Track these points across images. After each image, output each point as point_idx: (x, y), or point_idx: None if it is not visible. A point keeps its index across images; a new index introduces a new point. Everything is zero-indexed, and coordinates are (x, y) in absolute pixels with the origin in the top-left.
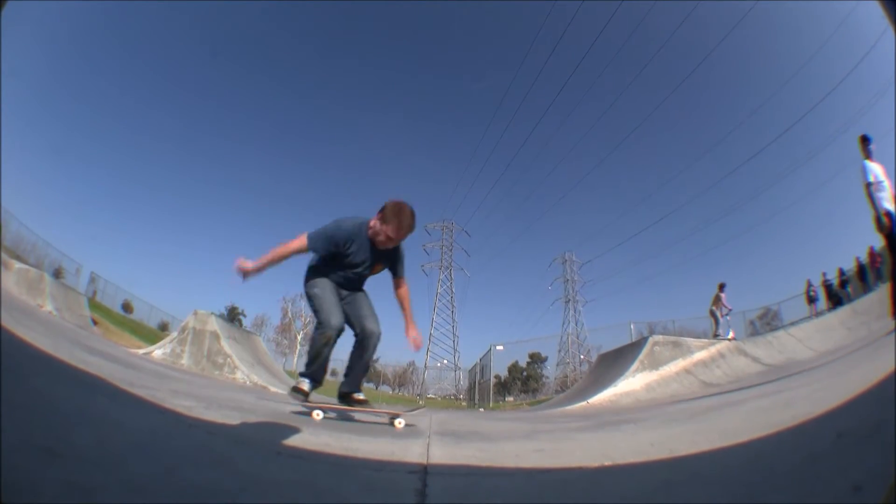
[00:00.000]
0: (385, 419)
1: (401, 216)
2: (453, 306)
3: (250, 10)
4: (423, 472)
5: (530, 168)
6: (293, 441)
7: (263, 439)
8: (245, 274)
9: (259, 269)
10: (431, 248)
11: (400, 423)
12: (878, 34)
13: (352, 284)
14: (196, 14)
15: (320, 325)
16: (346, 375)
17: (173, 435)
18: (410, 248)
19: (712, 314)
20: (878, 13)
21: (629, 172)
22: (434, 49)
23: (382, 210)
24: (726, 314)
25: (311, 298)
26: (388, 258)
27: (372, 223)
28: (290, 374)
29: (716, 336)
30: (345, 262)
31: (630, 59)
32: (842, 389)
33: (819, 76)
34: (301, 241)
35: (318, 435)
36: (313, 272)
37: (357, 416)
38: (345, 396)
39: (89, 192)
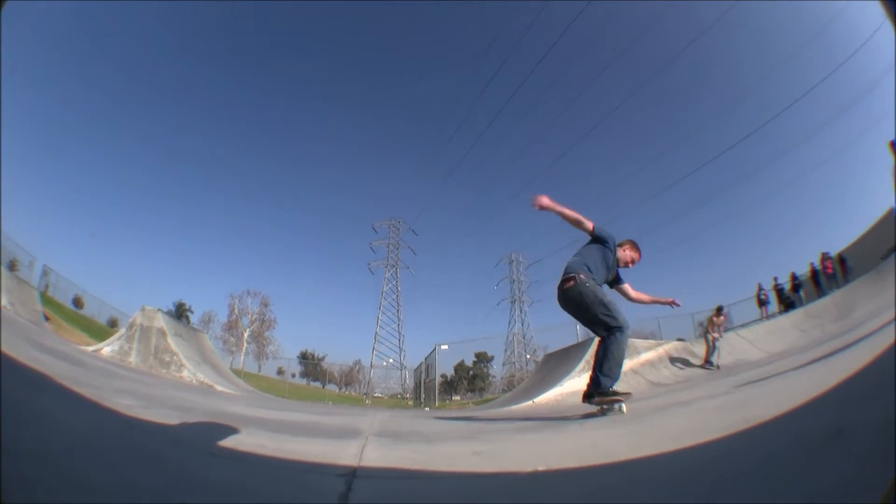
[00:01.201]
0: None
1: (639, 249)
2: (399, 304)
3: (251, 10)
4: (352, 475)
5: (479, 167)
6: (229, 442)
7: (199, 439)
8: (541, 206)
9: (551, 210)
10: (378, 245)
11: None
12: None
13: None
14: (196, 14)
15: (623, 326)
16: (604, 374)
17: (111, 434)
18: (359, 246)
19: (705, 338)
20: (874, 12)
21: (579, 173)
22: (386, 44)
23: (625, 243)
24: (718, 339)
25: (605, 305)
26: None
27: (619, 252)
28: (237, 372)
29: (707, 363)
30: (608, 264)
31: (584, 62)
32: (799, 391)
33: (789, 82)
34: (590, 223)
35: (254, 436)
36: (593, 280)
37: None
38: (612, 391)
39: (45, 183)
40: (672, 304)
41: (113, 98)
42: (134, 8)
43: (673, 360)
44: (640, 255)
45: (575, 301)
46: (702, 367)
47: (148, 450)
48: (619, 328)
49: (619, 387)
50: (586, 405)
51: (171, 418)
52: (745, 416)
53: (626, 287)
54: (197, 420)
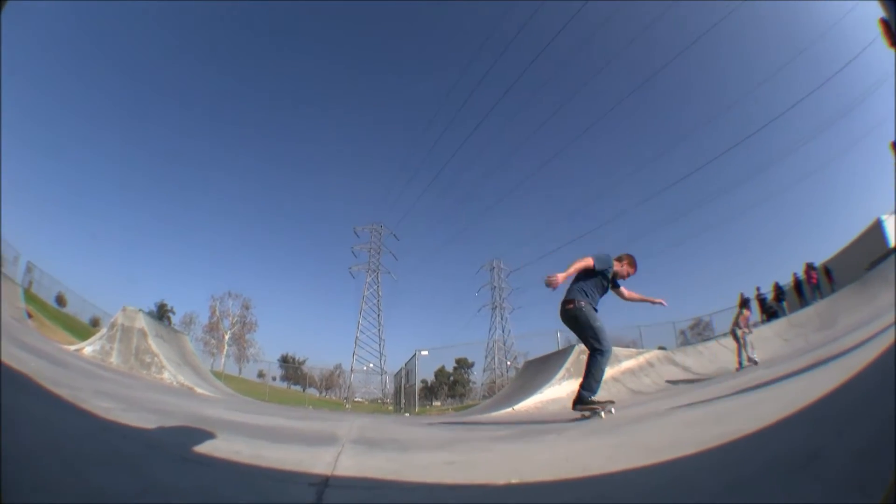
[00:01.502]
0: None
1: (636, 265)
2: (380, 309)
3: (250, 10)
4: (324, 485)
5: (463, 173)
6: (204, 447)
7: (175, 444)
8: (557, 283)
9: (565, 279)
10: (359, 250)
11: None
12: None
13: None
14: (195, 14)
15: (605, 350)
16: (584, 388)
17: (87, 437)
18: (341, 251)
19: (734, 335)
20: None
21: (562, 182)
22: (371, 47)
23: (623, 258)
24: (748, 334)
25: (595, 329)
26: (612, 281)
27: (616, 266)
28: (217, 374)
29: (742, 363)
30: (603, 287)
31: (570, 71)
32: (775, 407)
33: (780, 91)
34: (590, 260)
35: (230, 441)
36: (589, 304)
37: None
38: (591, 401)
39: (33, 180)
40: (661, 303)
41: (107, 96)
42: (132, 8)
43: (651, 367)
44: (635, 270)
45: (572, 320)
46: (737, 370)
47: (122, 455)
48: (601, 351)
49: (603, 394)
50: (569, 412)
51: (148, 422)
52: (721, 431)
53: (622, 290)
54: (174, 424)
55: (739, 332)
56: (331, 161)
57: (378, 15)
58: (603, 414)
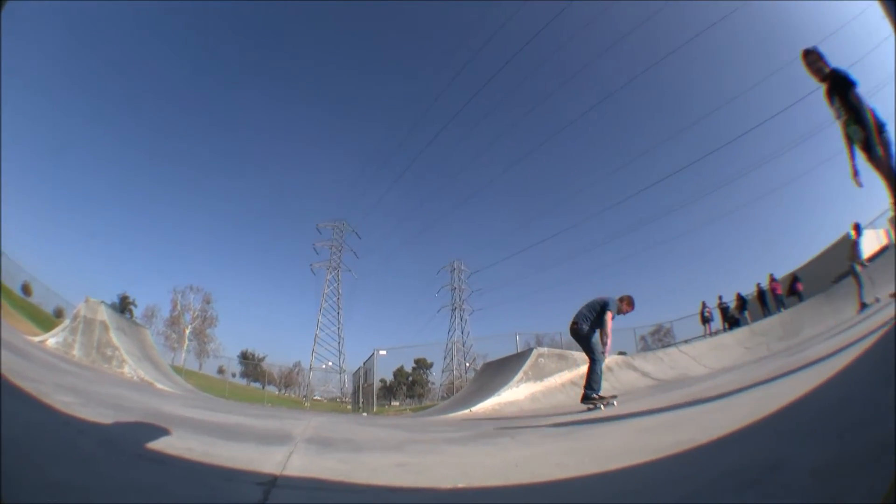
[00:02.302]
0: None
1: (634, 304)
2: (340, 307)
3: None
4: (272, 484)
5: (427, 174)
6: (158, 444)
7: (129, 440)
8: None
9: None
10: (321, 247)
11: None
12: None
13: None
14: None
15: (598, 361)
16: (587, 387)
17: (46, 432)
18: (302, 248)
19: (854, 273)
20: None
21: (525, 186)
22: (338, 42)
23: (624, 299)
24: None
25: (592, 345)
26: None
27: (618, 304)
28: (178, 369)
29: (865, 302)
30: (601, 318)
31: (535, 79)
32: (732, 417)
33: (762, 98)
34: (610, 315)
35: (184, 439)
36: (588, 328)
37: None
38: (594, 397)
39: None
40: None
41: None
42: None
43: (611, 371)
44: (633, 308)
45: (576, 336)
46: (859, 311)
47: (78, 450)
48: (595, 360)
49: (607, 386)
50: (526, 415)
51: (106, 417)
52: (675, 439)
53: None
54: (131, 420)
55: (858, 268)
56: (295, 156)
57: (345, 12)
58: (603, 406)
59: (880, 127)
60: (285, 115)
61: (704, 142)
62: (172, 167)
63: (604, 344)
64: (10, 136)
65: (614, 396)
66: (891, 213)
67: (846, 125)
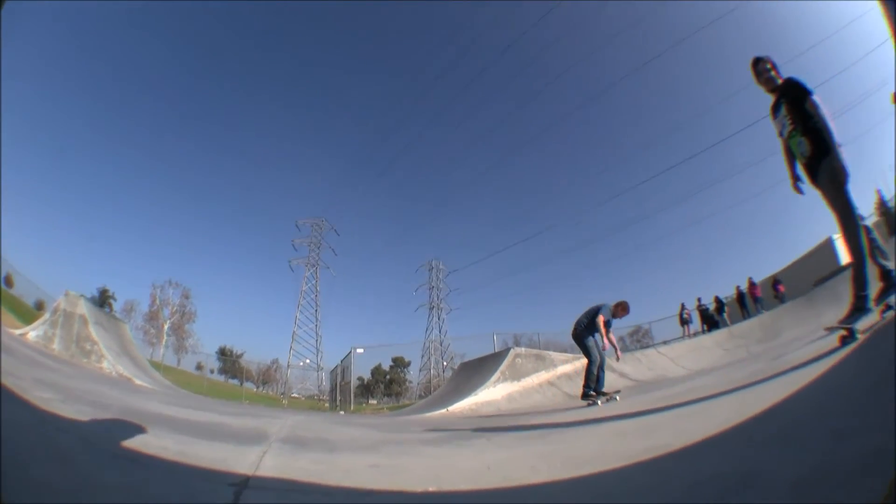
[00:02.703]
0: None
1: (628, 309)
2: (318, 305)
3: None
4: (244, 485)
5: (407, 172)
6: (134, 442)
7: (107, 439)
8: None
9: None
10: (300, 244)
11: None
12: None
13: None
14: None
15: (593, 361)
16: (595, 382)
17: (25, 429)
18: (282, 246)
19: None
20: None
21: (509, 186)
22: (323, 40)
23: (620, 304)
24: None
25: (587, 347)
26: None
27: (614, 308)
28: (156, 364)
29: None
30: (595, 324)
31: (516, 83)
32: (708, 422)
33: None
34: (602, 318)
35: (160, 437)
36: (586, 332)
37: None
38: (598, 393)
39: None
40: (616, 357)
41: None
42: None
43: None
44: (628, 312)
45: (575, 339)
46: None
47: (56, 448)
48: (591, 362)
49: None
50: (503, 415)
51: (84, 415)
52: (648, 444)
53: (611, 333)
54: (109, 417)
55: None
56: (276, 153)
57: (328, 12)
58: (601, 402)
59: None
60: (267, 112)
61: (684, 146)
62: (153, 162)
63: (605, 345)
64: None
65: (617, 391)
66: (836, 235)
67: (790, 137)
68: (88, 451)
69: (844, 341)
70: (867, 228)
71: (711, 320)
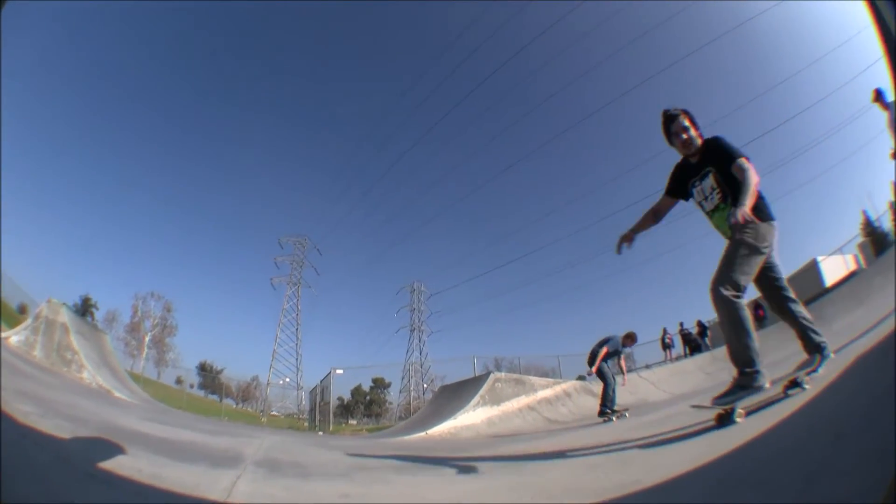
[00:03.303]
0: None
1: (635, 337)
2: (299, 323)
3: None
4: None
5: (390, 194)
6: (110, 463)
7: (84, 458)
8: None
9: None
10: (282, 262)
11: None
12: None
13: None
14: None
15: (608, 385)
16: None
17: (7, 443)
18: (265, 261)
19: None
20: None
21: (492, 208)
22: (305, 53)
23: (627, 335)
24: None
25: (603, 374)
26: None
27: (625, 342)
28: (136, 377)
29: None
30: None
31: (499, 101)
32: (680, 457)
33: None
34: (605, 350)
35: (136, 457)
36: (603, 363)
37: None
38: (612, 411)
39: None
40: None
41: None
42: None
43: (568, 397)
44: (634, 342)
45: (590, 366)
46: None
47: (32, 466)
48: (606, 385)
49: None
50: (482, 440)
51: (63, 430)
52: (619, 479)
53: (622, 361)
54: (87, 434)
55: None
56: (261, 169)
57: (316, 21)
58: (615, 419)
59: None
60: (253, 127)
61: (661, 175)
62: (141, 170)
63: (616, 371)
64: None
65: (627, 409)
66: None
67: (715, 210)
68: (64, 470)
69: (722, 421)
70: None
71: (694, 344)
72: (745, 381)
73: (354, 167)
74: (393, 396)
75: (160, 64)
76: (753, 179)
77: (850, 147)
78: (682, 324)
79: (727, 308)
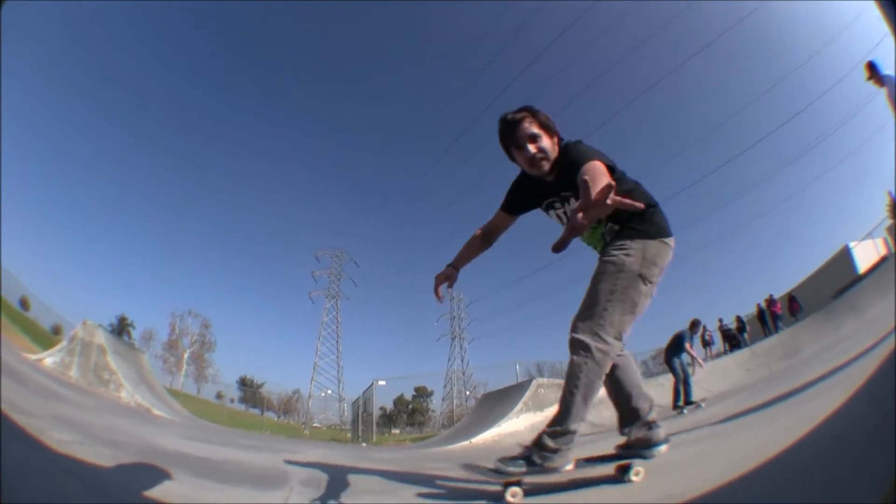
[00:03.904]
0: None
1: (696, 324)
2: (339, 335)
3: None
4: None
5: (425, 200)
6: (153, 492)
7: (124, 488)
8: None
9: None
10: (319, 275)
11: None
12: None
13: None
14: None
15: (679, 377)
16: (684, 395)
17: (38, 478)
18: (301, 275)
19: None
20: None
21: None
22: (338, 65)
23: (691, 322)
24: None
25: (673, 368)
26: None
27: (692, 330)
28: (175, 393)
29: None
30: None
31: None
32: (727, 461)
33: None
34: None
35: (180, 483)
36: (672, 359)
37: None
38: (686, 403)
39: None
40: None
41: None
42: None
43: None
44: (696, 328)
45: (665, 363)
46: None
47: (70, 500)
48: (676, 379)
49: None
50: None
51: (102, 458)
52: (666, 491)
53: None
54: (128, 461)
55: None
56: (295, 182)
57: (347, 31)
58: (686, 412)
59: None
60: (287, 142)
61: (696, 166)
62: (173, 190)
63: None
64: (12, 146)
65: (703, 399)
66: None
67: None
68: (102, 499)
69: (618, 475)
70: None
71: (734, 340)
72: (538, 454)
73: (391, 177)
74: (435, 405)
75: (184, 73)
76: (596, 180)
77: (871, 127)
78: (721, 320)
79: (577, 362)
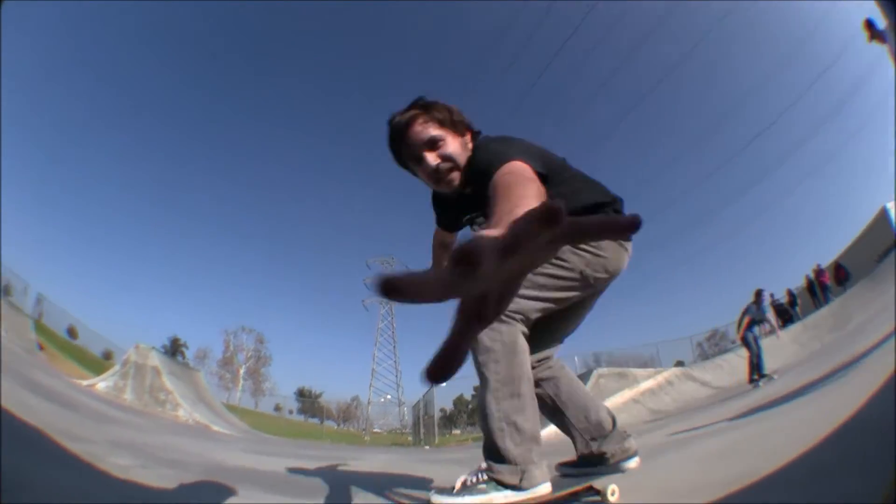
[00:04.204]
0: None
1: (759, 292)
2: (395, 340)
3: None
4: None
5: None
6: None
7: None
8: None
9: None
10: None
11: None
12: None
13: None
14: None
15: (754, 351)
16: (757, 368)
17: (3, 445)
18: (354, 284)
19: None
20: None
21: None
22: (396, 73)
23: (755, 292)
24: None
25: (747, 343)
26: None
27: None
28: (233, 408)
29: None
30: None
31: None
32: (728, 459)
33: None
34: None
35: (245, 498)
36: (747, 332)
37: None
38: (760, 376)
39: (42, 208)
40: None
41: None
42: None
43: (670, 385)
44: (760, 295)
45: (740, 340)
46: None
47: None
48: (751, 354)
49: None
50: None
51: (166, 480)
52: (739, 470)
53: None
54: (193, 481)
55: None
56: (344, 190)
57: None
58: (762, 384)
59: None
60: (332, 152)
61: (722, 147)
62: (218, 206)
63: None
64: (11, 150)
65: (776, 371)
66: (890, 204)
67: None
68: None
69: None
70: None
71: (786, 314)
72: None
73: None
74: None
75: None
76: (510, 190)
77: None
78: (772, 295)
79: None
